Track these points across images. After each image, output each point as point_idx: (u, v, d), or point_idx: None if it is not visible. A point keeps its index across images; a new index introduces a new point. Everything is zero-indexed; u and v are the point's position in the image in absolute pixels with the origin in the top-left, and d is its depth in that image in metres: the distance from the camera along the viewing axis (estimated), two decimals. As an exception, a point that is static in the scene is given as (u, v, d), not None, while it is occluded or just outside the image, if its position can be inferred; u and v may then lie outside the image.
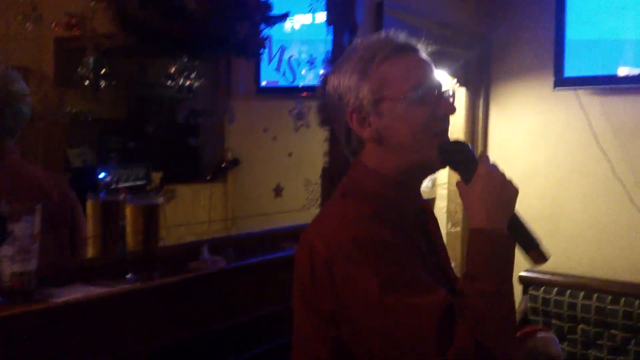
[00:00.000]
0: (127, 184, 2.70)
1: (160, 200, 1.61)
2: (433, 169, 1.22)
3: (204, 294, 1.75)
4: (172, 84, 2.90)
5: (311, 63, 2.30)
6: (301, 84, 2.53)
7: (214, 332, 1.77)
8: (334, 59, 2.25)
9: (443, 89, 1.18)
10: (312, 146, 2.29)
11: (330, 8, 2.24)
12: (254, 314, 1.89)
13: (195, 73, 2.84)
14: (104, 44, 2.32)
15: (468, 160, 1.13)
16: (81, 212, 1.77)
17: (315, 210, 2.34)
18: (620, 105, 2.80)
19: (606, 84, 2.71)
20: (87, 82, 3.11)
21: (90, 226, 1.65)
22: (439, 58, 2.70)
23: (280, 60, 2.12)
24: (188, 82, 2.85)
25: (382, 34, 1.21)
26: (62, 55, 3.08)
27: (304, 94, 2.34)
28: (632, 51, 2.64)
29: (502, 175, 1.10)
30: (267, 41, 1.89)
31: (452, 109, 1.17)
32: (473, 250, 1.07)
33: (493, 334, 0.97)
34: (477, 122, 3.00)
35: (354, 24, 2.24)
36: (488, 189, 1.08)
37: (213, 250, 1.85)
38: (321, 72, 2.21)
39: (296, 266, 1.18)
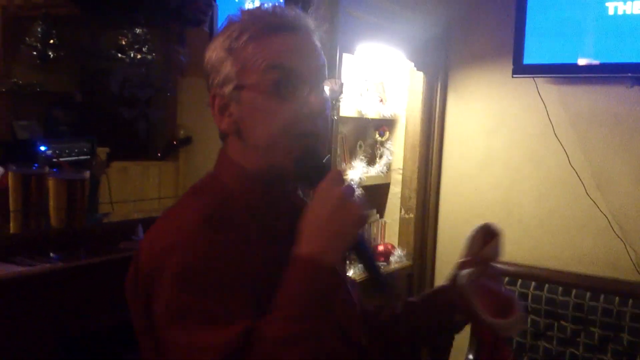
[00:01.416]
0: (69, 159, 2.60)
1: (87, 174, 1.52)
2: (290, 179, 1.04)
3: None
4: (123, 57, 2.79)
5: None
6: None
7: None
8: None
9: (318, 81, 1.00)
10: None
11: (283, -18, 2.15)
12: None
13: (146, 47, 2.74)
14: (43, 12, 2.21)
15: (314, 174, 0.97)
16: None
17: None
18: (578, 95, 2.78)
19: (565, 72, 2.67)
20: (35, 53, 2.98)
21: (11, 200, 1.54)
22: (395, 39, 2.65)
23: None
24: (139, 56, 2.74)
25: (269, 6, 1.03)
26: (9, 23, 2.94)
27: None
28: (593, 41, 2.61)
29: (341, 197, 0.90)
30: (210, 8, 1.79)
31: (317, 108, 0.97)
32: (284, 281, 0.89)
33: None
34: (435, 107, 2.95)
35: (308, -1, 2.16)
36: (317, 208, 0.91)
37: (150, 230, 1.77)
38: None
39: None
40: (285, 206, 1.07)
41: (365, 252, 0.99)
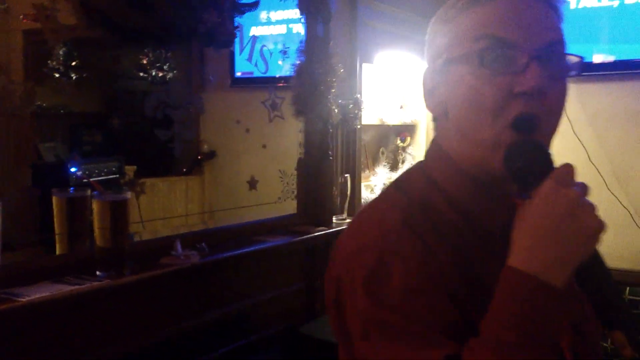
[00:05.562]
0: (99, 178, 2.66)
1: (129, 195, 1.57)
2: (500, 179, 0.81)
3: (177, 289, 1.72)
4: (144, 76, 2.86)
5: (284, 53, 2.26)
6: (278, 74, 2.50)
7: (189, 328, 1.75)
8: (308, 49, 2.22)
9: (539, 54, 0.78)
10: (287, 137, 2.28)
11: (303, -3, 2.21)
12: (228, 309, 1.86)
13: (167, 65, 2.80)
14: (71, 36, 2.27)
15: (532, 169, 0.75)
16: None
17: (291, 203, 2.34)
18: (595, 92, 2.80)
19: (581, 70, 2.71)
20: (57, 75, 3.05)
21: (56, 223, 1.60)
22: (414, 46, 2.69)
23: (252, 51, 2.08)
24: (161, 74, 2.81)
25: None
26: (31, 47, 3.02)
27: (280, 84, 2.32)
28: (607, 38, 2.64)
29: (575, 200, 0.71)
30: (237, 31, 1.84)
31: (533, 86, 0.76)
32: (496, 299, 0.72)
33: None
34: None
35: (328, 13, 2.21)
36: (543, 214, 0.72)
37: (187, 245, 1.82)
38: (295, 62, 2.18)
39: None
40: (501, 208, 0.84)
41: (603, 274, 0.74)
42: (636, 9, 2.57)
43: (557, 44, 0.82)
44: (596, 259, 0.74)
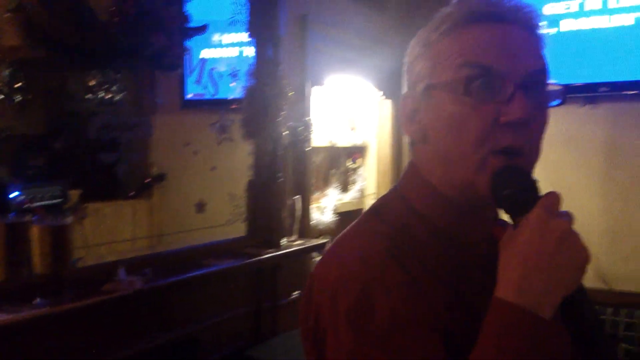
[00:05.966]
0: (42, 203, 2.58)
1: (70, 220, 1.53)
2: (483, 200, 0.79)
3: (121, 316, 1.68)
4: (92, 98, 2.80)
5: (234, 76, 2.26)
6: (228, 96, 2.50)
7: (133, 356, 1.70)
8: (257, 72, 2.23)
9: (525, 85, 0.77)
10: (237, 159, 2.27)
11: (252, 21, 2.23)
12: (174, 334, 1.83)
13: (116, 86, 2.76)
14: (15, 57, 2.23)
15: (520, 198, 0.74)
16: None
17: (241, 225, 2.32)
18: (561, 115, 2.90)
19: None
20: (1, 97, 2.96)
21: (-7, 249, 1.54)
22: (363, 70, 2.74)
23: (201, 73, 2.07)
24: (108, 96, 2.76)
25: None
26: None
27: (232, 106, 2.31)
28: (571, 62, 2.74)
29: (565, 230, 0.71)
30: (186, 54, 1.84)
31: (518, 116, 0.76)
32: (484, 333, 0.70)
33: None
34: (404, 135, 3.04)
35: (277, 36, 2.23)
36: (533, 245, 0.71)
37: (133, 270, 1.79)
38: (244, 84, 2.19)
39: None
40: (482, 232, 0.84)
41: (587, 305, 0.74)
42: (571, 36, 2.69)
43: (540, 73, 0.81)
44: (581, 290, 0.73)
